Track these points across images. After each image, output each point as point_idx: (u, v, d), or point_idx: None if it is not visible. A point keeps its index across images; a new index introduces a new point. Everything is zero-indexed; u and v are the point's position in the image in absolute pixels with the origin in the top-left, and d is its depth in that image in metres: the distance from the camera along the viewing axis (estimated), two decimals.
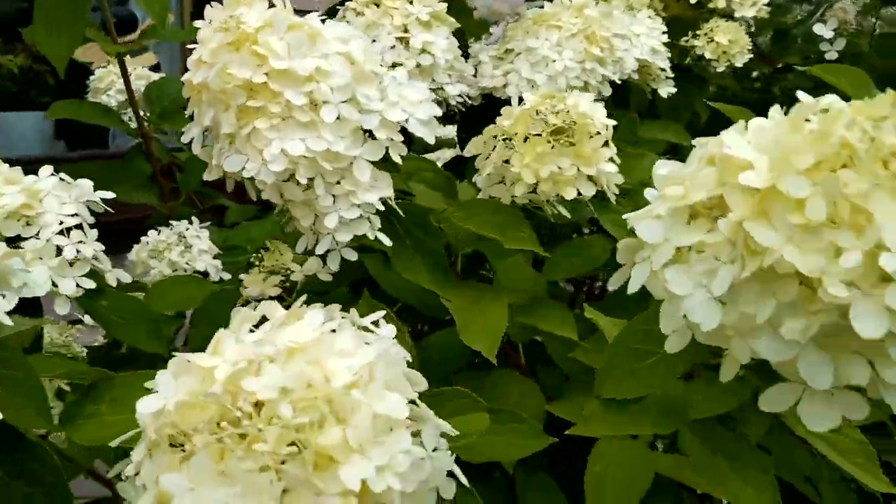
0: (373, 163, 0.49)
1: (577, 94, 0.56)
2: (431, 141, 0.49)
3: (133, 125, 0.99)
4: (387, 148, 0.48)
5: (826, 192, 0.26)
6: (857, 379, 0.28)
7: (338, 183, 0.47)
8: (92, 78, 1.20)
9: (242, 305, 0.59)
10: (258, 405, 0.31)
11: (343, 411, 0.31)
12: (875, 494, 0.69)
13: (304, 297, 0.38)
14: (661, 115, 0.94)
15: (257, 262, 0.59)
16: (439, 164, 0.87)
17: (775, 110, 0.31)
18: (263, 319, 0.37)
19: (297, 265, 0.59)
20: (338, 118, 0.46)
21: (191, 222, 0.92)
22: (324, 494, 0.30)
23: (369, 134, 0.48)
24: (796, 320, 0.27)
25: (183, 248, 0.87)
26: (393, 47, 0.65)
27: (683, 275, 0.29)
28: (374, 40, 0.65)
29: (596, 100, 0.77)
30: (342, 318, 0.40)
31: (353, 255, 0.49)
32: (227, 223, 1.09)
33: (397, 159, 0.48)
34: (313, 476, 0.29)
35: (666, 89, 0.85)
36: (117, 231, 0.90)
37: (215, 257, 0.90)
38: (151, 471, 0.31)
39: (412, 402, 0.35)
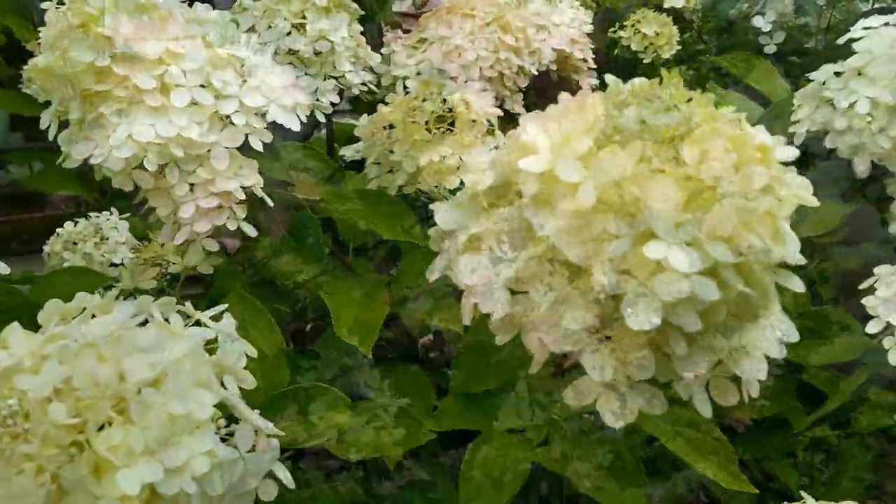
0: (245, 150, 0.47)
1: (460, 82, 0.54)
2: (296, 128, 0.48)
3: None
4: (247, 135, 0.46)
5: (598, 178, 0.25)
6: (639, 373, 0.27)
7: (194, 171, 0.45)
8: (25, 67, 1.17)
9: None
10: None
11: (134, 411, 0.30)
12: (789, 487, 0.68)
13: (115, 291, 0.36)
14: None
15: (135, 253, 0.57)
16: (357, 156, 0.85)
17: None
18: None
19: (179, 257, 0.57)
20: (193, 103, 0.44)
21: (111, 213, 0.90)
22: (102, 500, 0.28)
23: (230, 120, 0.46)
24: (576, 311, 0.26)
25: (98, 239, 0.85)
26: (289, 33, 0.63)
27: (475, 263, 0.28)
28: (270, 26, 0.63)
29: (514, 91, 0.77)
30: (178, 311, 0.38)
31: (214, 246, 0.48)
32: None
33: (258, 146, 0.46)
34: (88, 480, 0.28)
35: (588, 81, 0.83)
36: None
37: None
38: None
39: (229, 400, 0.34)
